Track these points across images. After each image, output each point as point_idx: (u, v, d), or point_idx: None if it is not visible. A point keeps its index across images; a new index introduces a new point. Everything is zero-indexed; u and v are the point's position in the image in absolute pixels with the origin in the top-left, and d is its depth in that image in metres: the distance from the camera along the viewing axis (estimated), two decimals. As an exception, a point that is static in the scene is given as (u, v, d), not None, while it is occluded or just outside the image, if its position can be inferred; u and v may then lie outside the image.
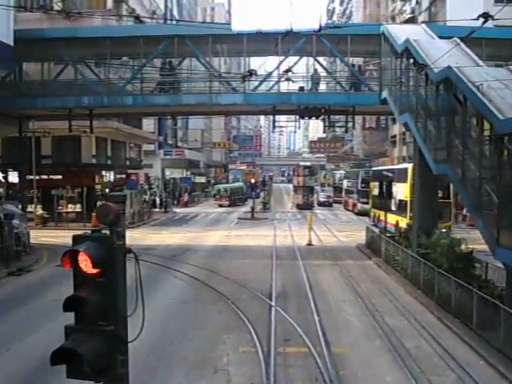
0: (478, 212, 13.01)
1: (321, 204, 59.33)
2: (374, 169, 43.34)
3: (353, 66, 25.84)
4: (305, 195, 56.59)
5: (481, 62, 16.49)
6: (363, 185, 44.72)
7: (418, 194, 19.65)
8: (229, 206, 56.42)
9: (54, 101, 24.06)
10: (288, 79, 18.42)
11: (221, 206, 57.18)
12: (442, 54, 16.16)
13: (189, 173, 69.06)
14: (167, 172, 61.05)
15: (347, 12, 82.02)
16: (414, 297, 16.33)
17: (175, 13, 63.19)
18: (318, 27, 25.16)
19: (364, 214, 41.14)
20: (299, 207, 55.09)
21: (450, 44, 17.92)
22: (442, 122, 15.91)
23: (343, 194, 57.15)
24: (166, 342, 12.09)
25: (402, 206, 29.09)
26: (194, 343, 12.10)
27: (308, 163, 75.51)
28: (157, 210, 48.86)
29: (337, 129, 75.29)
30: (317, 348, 11.54)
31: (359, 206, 46.88)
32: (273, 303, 15.41)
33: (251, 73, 13.99)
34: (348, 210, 52.33)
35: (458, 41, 18.01)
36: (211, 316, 14.27)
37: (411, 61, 18.95)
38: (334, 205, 59.27)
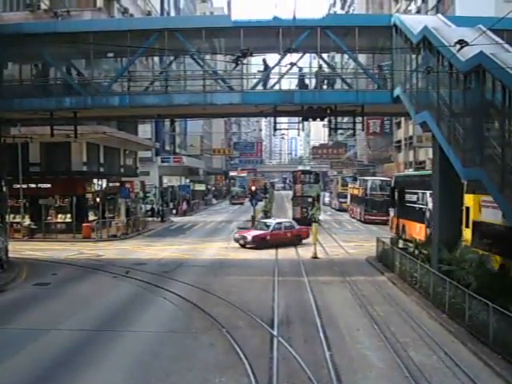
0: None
1: None
2: None
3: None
4: (303, 207, 42.72)
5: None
6: None
7: (439, 203, 17.35)
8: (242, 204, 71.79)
9: (33, 102, 21.79)
10: (292, 63, 15.92)
11: (234, 204, 73.35)
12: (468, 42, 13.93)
13: (188, 180, 66.97)
14: (165, 180, 58.74)
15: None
16: (439, 323, 14.01)
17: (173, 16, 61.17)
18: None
19: None
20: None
21: (474, 31, 15.70)
22: (473, 119, 13.61)
23: (391, 213, 35.47)
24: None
25: None
26: (177, 391, 9.85)
27: (307, 167, 71.97)
28: (154, 219, 46.79)
29: (339, 134, 73.79)
30: (330, 398, 9.27)
31: None
32: (275, 332, 13.14)
33: (245, 53, 11.76)
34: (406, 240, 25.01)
35: (484, 28, 15.81)
36: (201, 350, 11.97)
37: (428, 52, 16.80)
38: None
